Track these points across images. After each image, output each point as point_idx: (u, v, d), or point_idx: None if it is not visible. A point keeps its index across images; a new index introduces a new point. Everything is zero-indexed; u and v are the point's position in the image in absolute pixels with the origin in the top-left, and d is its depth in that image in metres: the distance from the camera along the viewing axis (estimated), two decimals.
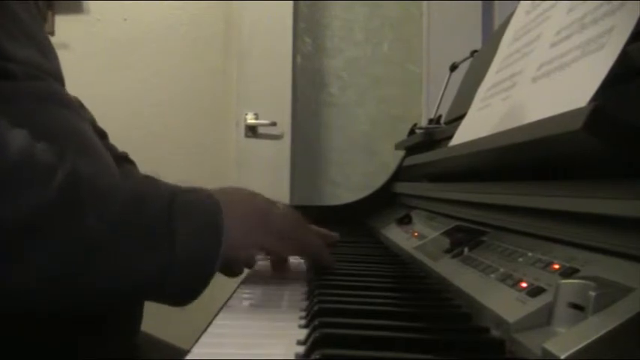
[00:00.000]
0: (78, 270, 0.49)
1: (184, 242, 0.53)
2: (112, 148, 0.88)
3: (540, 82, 0.60)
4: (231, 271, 0.66)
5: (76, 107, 0.70)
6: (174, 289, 0.54)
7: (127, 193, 0.53)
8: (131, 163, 0.93)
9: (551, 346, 0.32)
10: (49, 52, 0.70)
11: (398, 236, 0.94)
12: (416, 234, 0.88)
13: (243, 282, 0.70)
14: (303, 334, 0.44)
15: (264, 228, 0.63)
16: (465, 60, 1.23)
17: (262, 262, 0.78)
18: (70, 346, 0.57)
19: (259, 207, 0.65)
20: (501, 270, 0.50)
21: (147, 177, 0.94)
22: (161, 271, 0.52)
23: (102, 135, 0.89)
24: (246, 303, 0.59)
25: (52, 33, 2.00)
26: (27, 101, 0.60)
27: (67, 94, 0.70)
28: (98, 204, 0.50)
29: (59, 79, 0.71)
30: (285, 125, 1.97)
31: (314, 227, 0.73)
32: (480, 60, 1.06)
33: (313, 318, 0.47)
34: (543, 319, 0.39)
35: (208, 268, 0.55)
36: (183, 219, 0.54)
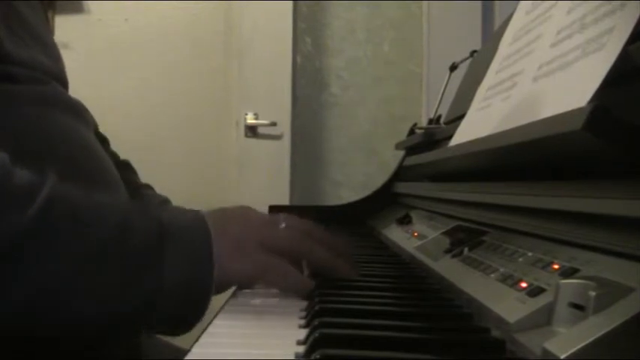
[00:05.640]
0: (56, 300, 0.47)
1: (173, 271, 0.51)
2: (112, 155, 0.88)
3: (540, 82, 0.60)
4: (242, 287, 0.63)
5: (80, 111, 0.70)
6: (165, 320, 0.52)
7: (112, 220, 0.51)
8: (132, 171, 0.93)
9: (551, 346, 0.32)
10: (53, 54, 0.70)
11: (398, 236, 0.94)
12: (416, 234, 0.88)
13: None
14: (302, 334, 0.44)
15: (260, 246, 0.58)
16: (464, 60, 1.23)
17: None
18: (72, 346, 0.57)
19: (254, 226, 0.60)
20: (501, 270, 0.50)
21: (146, 186, 0.94)
22: (148, 302, 0.50)
23: (103, 141, 0.89)
24: (245, 303, 0.59)
25: (53, 33, 2.01)
26: (29, 106, 0.60)
27: (71, 98, 0.69)
28: (79, 232, 0.48)
29: (63, 81, 0.71)
30: (285, 125, 1.97)
31: (325, 236, 0.65)
32: (480, 60, 1.06)
33: (313, 318, 0.47)
34: (543, 319, 0.38)
35: (201, 296, 0.53)
36: (172, 247, 0.52)
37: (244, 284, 0.61)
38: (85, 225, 0.49)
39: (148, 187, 0.94)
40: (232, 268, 0.56)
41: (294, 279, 0.59)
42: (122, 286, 0.49)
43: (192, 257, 0.53)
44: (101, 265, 0.49)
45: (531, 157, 0.57)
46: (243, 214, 0.62)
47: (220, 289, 0.57)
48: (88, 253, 0.48)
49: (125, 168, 0.90)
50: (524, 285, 0.44)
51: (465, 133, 0.79)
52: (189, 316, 0.53)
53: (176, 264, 0.51)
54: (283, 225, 0.62)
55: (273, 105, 1.97)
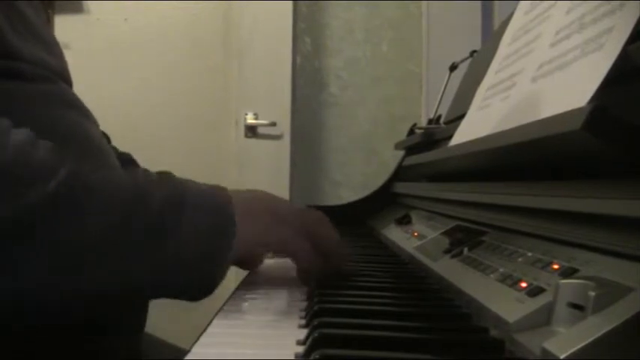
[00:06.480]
0: (75, 272, 0.48)
1: (191, 236, 0.52)
2: (113, 150, 0.88)
3: (540, 81, 0.60)
4: (247, 264, 0.65)
5: (85, 109, 0.70)
6: (184, 284, 0.53)
7: (130, 193, 0.52)
8: (134, 164, 0.93)
9: (550, 345, 0.32)
10: (56, 52, 0.70)
11: (397, 236, 0.94)
12: (415, 234, 0.88)
13: (244, 282, 0.70)
14: (302, 334, 0.44)
15: (277, 220, 0.61)
16: (464, 60, 1.23)
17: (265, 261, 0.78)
18: (74, 347, 0.57)
19: (272, 201, 0.64)
20: (501, 270, 0.50)
21: (159, 173, 0.94)
22: (168, 265, 0.51)
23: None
24: (245, 303, 0.59)
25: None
26: (37, 103, 0.60)
27: (76, 95, 0.70)
28: (99, 202, 0.49)
29: (67, 78, 0.71)
30: (284, 125, 1.97)
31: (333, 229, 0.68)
32: (480, 60, 1.06)
33: (313, 318, 0.47)
34: (543, 319, 0.38)
35: (220, 261, 0.54)
36: (194, 211, 0.53)
37: (258, 249, 0.63)
38: (104, 196, 0.50)
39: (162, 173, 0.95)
40: (248, 231, 0.57)
41: (309, 249, 0.62)
42: (141, 254, 0.50)
43: (213, 223, 0.54)
44: (122, 234, 0.50)
45: (531, 157, 0.57)
46: (260, 192, 0.65)
47: (242, 255, 0.58)
48: (107, 223, 0.49)
49: (126, 162, 0.90)
50: (523, 285, 0.44)
51: (464, 133, 0.79)
52: (208, 279, 0.54)
53: (195, 230, 0.53)
54: (294, 206, 0.66)
55: (273, 105, 1.97)
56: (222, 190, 0.59)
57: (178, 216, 0.52)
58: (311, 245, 0.63)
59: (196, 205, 0.54)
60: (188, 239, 0.52)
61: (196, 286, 0.54)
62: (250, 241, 0.58)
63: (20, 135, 0.48)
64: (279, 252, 0.65)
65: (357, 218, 1.29)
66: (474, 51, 1.18)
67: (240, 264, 0.73)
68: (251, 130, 1.98)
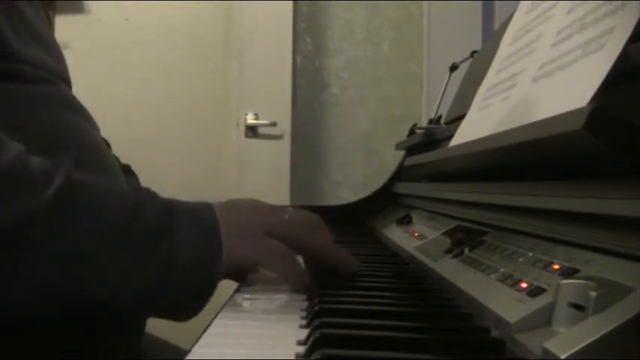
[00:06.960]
0: (70, 280, 0.48)
1: (184, 251, 0.52)
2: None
3: (541, 82, 0.60)
4: (237, 277, 0.65)
5: (86, 111, 0.70)
6: (175, 298, 0.53)
7: (125, 202, 0.52)
8: (132, 175, 0.93)
9: (551, 346, 0.32)
10: (56, 54, 0.70)
11: (398, 236, 0.94)
12: (416, 234, 0.88)
13: (244, 282, 0.70)
14: (303, 334, 0.44)
15: (265, 231, 0.60)
16: (465, 60, 1.23)
17: None
18: (74, 347, 0.57)
19: (259, 212, 0.62)
20: (501, 270, 0.50)
21: (147, 190, 0.94)
22: (160, 280, 0.51)
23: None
24: (246, 303, 0.59)
25: (53, 33, 2.00)
26: (37, 104, 0.60)
27: (76, 98, 0.70)
28: (94, 212, 0.49)
29: (67, 82, 0.71)
30: (285, 125, 1.97)
31: (328, 231, 0.67)
32: (480, 60, 1.06)
33: (314, 318, 0.47)
34: (544, 319, 0.38)
35: (210, 275, 0.54)
36: (182, 227, 0.53)
37: (247, 266, 0.62)
38: (99, 206, 0.50)
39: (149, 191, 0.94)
40: (236, 249, 0.57)
41: (296, 267, 0.61)
42: (134, 265, 0.51)
43: (202, 239, 0.54)
44: (116, 242, 0.50)
45: (531, 157, 0.57)
46: (248, 201, 0.65)
47: (231, 269, 0.58)
48: (101, 233, 0.49)
49: (125, 172, 0.90)
50: (524, 285, 0.44)
51: (465, 134, 0.79)
52: (198, 293, 0.54)
53: (186, 241, 0.53)
54: (289, 214, 0.64)
55: (274, 105, 1.97)
56: (205, 203, 0.59)
57: (169, 226, 0.53)
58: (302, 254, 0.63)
59: (184, 217, 0.54)
60: (183, 244, 0.53)
61: (193, 292, 0.54)
62: (238, 248, 0.57)
63: (16, 144, 0.48)
64: (268, 266, 0.63)
65: (358, 218, 1.29)
66: (475, 51, 1.18)
67: (231, 275, 0.73)
68: (251, 130, 1.98)
